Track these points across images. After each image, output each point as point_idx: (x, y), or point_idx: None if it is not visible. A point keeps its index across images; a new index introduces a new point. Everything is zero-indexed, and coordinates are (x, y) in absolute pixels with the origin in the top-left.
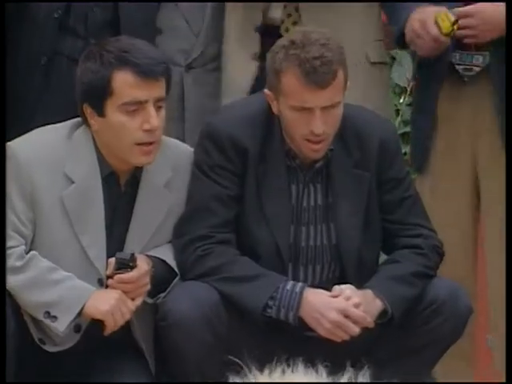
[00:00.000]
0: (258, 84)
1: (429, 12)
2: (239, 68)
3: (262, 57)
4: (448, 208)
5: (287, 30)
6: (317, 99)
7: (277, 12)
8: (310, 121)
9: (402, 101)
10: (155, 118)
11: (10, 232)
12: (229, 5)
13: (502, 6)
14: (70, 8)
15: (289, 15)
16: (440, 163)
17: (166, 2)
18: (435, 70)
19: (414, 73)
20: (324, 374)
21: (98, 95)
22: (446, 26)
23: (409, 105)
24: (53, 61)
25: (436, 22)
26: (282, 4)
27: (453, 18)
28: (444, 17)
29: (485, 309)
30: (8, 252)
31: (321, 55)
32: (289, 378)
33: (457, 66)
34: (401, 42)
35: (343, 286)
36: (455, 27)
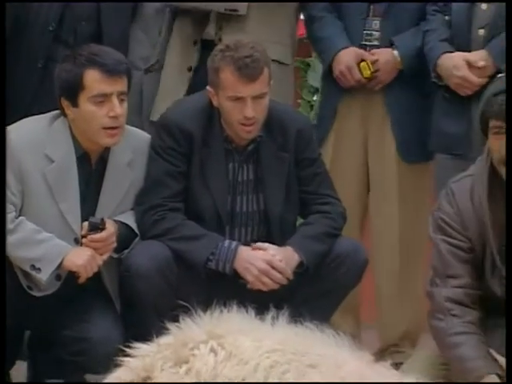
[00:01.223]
0: (192, 91)
1: (353, 58)
2: (175, 77)
3: (196, 69)
4: (339, 185)
5: (220, 40)
6: (248, 90)
7: (211, 27)
8: (243, 108)
9: (315, 98)
10: (118, 108)
11: None
12: (176, 21)
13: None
14: (63, 22)
15: (220, 28)
16: (332, 146)
17: (137, 18)
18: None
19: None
20: (253, 314)
21: (73, 90)
22: (367, 73)
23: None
24: (47, 65)
25: (359, 70)
26: (214, 21)
27: (372, 68)
28: (366, 66)
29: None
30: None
31: (250, 55)
32: (225, 316)
33: None
34: (329, 72)
35: (266, 244)
36: (374, 73)
